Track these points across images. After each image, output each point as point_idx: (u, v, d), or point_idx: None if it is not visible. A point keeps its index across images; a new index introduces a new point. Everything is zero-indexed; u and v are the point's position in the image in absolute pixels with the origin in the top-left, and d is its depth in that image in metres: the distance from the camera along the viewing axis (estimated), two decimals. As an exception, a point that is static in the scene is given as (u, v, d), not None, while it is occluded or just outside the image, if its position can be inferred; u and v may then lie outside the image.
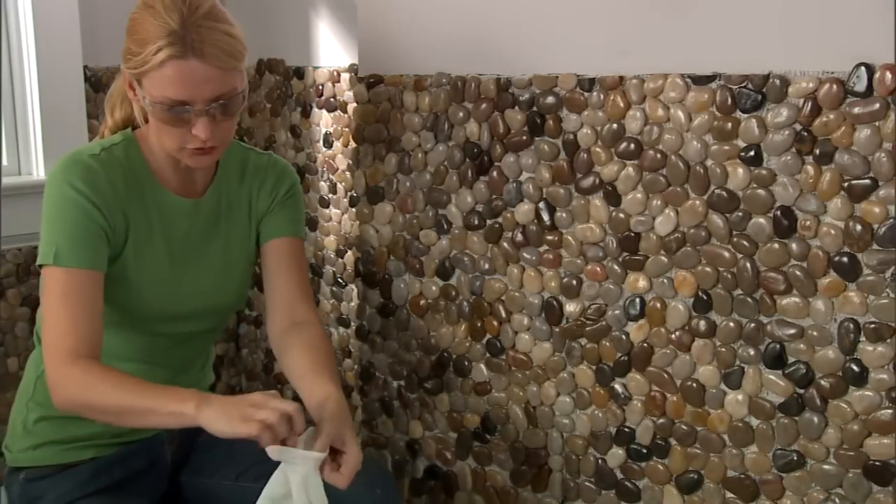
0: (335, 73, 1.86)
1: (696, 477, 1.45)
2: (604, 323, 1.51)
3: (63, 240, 1.27)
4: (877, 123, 1.22)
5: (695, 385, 1.43)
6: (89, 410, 1.26)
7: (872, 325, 1.26)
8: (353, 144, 1.81)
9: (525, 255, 1.58)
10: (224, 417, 1.16)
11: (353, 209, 1.84)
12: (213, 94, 1.25)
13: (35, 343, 1.44)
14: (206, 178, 1.42)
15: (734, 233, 1.36)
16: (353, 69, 1.82)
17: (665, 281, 1.43)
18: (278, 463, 1.25)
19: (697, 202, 1.38)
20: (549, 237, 1.54)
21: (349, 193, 1.86)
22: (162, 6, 1.24)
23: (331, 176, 1.91)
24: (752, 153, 1.32)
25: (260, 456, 1.44)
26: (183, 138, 1.28)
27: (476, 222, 1.63)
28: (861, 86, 1.22)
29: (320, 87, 1.88)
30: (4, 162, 1.84)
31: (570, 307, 1.54)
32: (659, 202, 1.42)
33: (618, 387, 1.51)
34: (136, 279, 1.34)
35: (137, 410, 1.22)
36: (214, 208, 1.42)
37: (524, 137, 1.54)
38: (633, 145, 1.43)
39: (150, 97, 1.25)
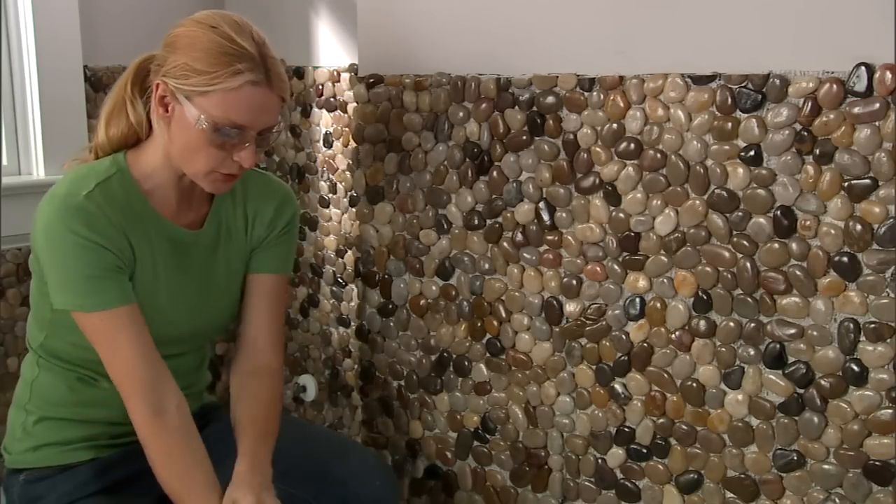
0: (335, 73, 1.86)
1: (696, 477, 1.45)
2: (604, 323, 1.51)
3: (87, 285, 1.26)
4: (877, 123, 1.22)
5: (695, 385, 1.43)
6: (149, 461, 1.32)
7: (872, 325, 1.26)
8: (353, 144, 1.81)
9: (525, 255, 1.58)
10: None
11: (353, 209, 1.84)
12: (268, 124, 1.28)
13: (28, 347, 1.43)
14: (202, 204, 1.41)
15: (734, 233, 1.36)
16: (353, 69, 1.82)
17: (665, 281, 1.43)
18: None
19: (697, 202, 1.38)
20: (549, 237, 1.54)
21: (349, 193, 1.86)
22: (230, 29, 1.24)
23: (331, 176, 1.91)
24: (752, 153, 1.32)
25: None
26: (219, 162, 1.28)
27: (476, 222, 1.63)
28: (861, 86, 1.22)
29: (320, 87, 1.88)
30: (4, 162, 1.84)
31: (570, 307, 1.54)
32: (659, 202, 1.42)
33: (618, 387, 1.51)
34: (145, 307, 1.33)
35: (169, 492, 1.31)
36: (215, 235, 1.42)
37: (524, 137, 1.54)
38: (633, 145, 1.43)
39: (206, 115, 1.23)
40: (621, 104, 1.43)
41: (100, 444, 1.39)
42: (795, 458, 1.35)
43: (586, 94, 1.47)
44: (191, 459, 1.30)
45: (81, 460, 1.39)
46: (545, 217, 1.54)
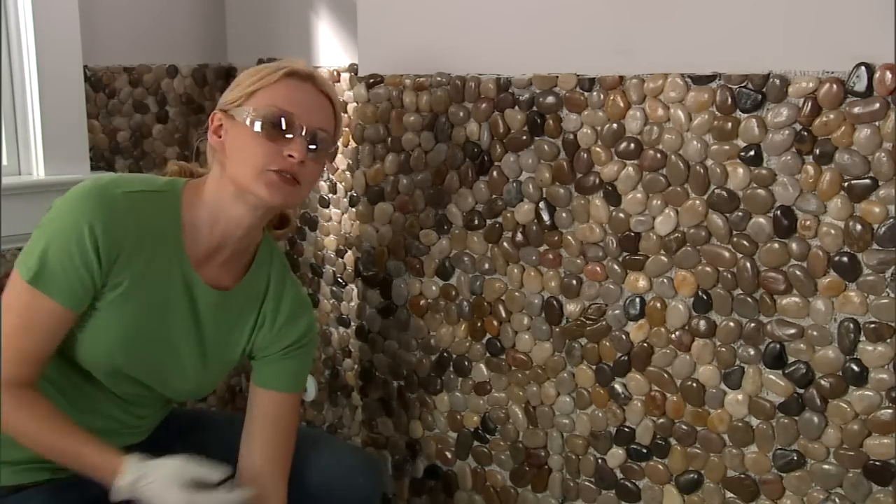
0: (335, 73, 1.86)
1: (696, 477, 1.45)
2: (604, 323, 1.51)
3: (52, 267, 1.23)
4: (877, 123, 1.22)
5: (695, 385, 1.43)
6: (21, 440, 1.26)
7: (872, 325, 1.26)
8: (353, 144, 1.81)
9: (525, 254, 1.58)
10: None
11: (353, 209, 1.84)
12: (317, 123, 1.31)
13: None
14: (233, 263, 1.38)
15: (734, 233, 1.36)
16: (353, 69, 1.82)
17: (665, 281, 1.43)
18: None
19: (697, 202, 1.38)
20: (550, 237, 1.54)
21: (349, 193, 1.86)
22: (279, 60, 1.36)
23: (331, 176, 1.91)
24: (752, 153, 1.32)
25: (235, 470, 1.39)
26: (272, 156, 1.27)
27: (476, 222, 1.63)
28: (861, 86, 1.22)
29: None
30: (4, 162, 1.84)
31: (570, 307, 1.54)
32: (659, 202, 1.42)
33: (618, 387, 1.51)
34: (113, 328, 1.29)
35: (63, 462, 1.26)
36: (234, 305, 1.38)
37: (524, 137, 1.54)
38: (633, 145, 1.43)
39: (255, 110, 1.28)
40: (621, 104, 1.43)
41: (55, 465, 1.31)
42: (795, 458, 1.35)
43: (586, 94, 1.47)
44: (60, 417, 1.26)
45: (36, 481, 1.33)
46: (545, 217, 1.54)
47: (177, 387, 1.40)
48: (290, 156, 1.27)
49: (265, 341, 1.42)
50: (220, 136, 1.32)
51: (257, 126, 1.27)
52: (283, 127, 1.28)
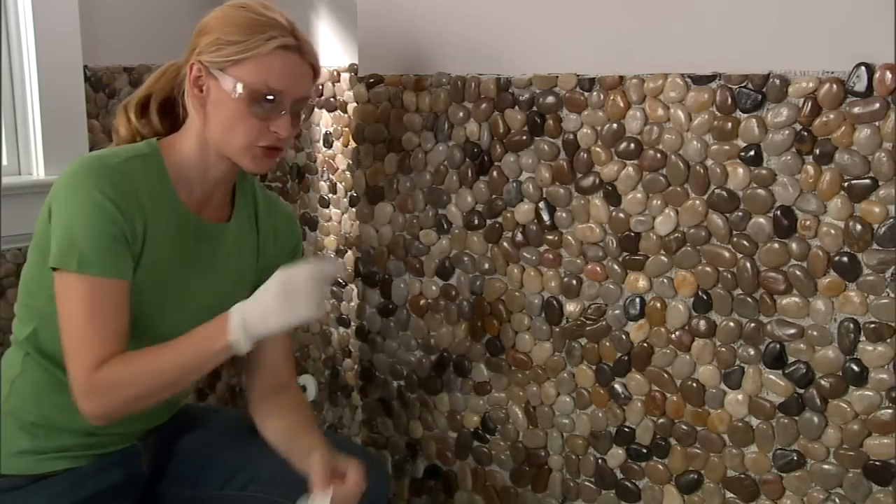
0: (335, 73, 1.86)
1: (696, 477, 1.45)
2: (604, 323, 1.51)
3: (89, 247, 1.21)
4: (877, 123, 1.22)
5: (695, 385, 1.43)
6: (135, 403, 1.25)
7: (872, 325, 1.26)
8: (353, 144, 1.81)
9: (525, 254, 1.58)
10: (276, 315, 1.22)
11: (353, 209, 1.84)
12: (302, 93, 1.31)
13: (13, 340, 1.37)
14: (224, 199, 1.40)
15: (734, 233, 1.36)
16: (353, 69, 1.82)
17: (665, 281, 1.43)
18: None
19: (697, 202, 1.38)
20: (549, 237, 1.54)
21: (349, 193, 1.86)
22: (260, 7, 1.29)
23: (331, 176, 1.91)
24: (752, 153, 1.32)
25: (245, 463, 1.41)
26: (258, 133, 1.28)
27: (476, 222, 1.63)
28: (861, 86, 1.22)
29: (320, 87, 1.88)
30: (4, 162, 1.84)
31: (570, 307, 1.54)
32: (659, 202, 1.42)
33: (618, 387, 1.51)
34: (139, 294, 1.29)
35: (187, 373, 1.25)
36: (237, 234, 1.40)
37: (524, 137, 1.54)
38: (633, 145, 1.43)
39: (243, 84, 1.25)
40: (621, 104, 1.43)
41: (74, 454, 1.33)
42: (795, 458, 1.35)
43: (586, 94, 1.47)
44: (149, 350, 1.25)
45: (55, 470, 1.33)
46: (545, 217, 1.54)
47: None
48: (277, 132, 1.29)
49: (270, 255, 1.43)
50: (200, 90, 1.30)
51: (246, 103, 1.26)
52: (272, 105, 1.27)
